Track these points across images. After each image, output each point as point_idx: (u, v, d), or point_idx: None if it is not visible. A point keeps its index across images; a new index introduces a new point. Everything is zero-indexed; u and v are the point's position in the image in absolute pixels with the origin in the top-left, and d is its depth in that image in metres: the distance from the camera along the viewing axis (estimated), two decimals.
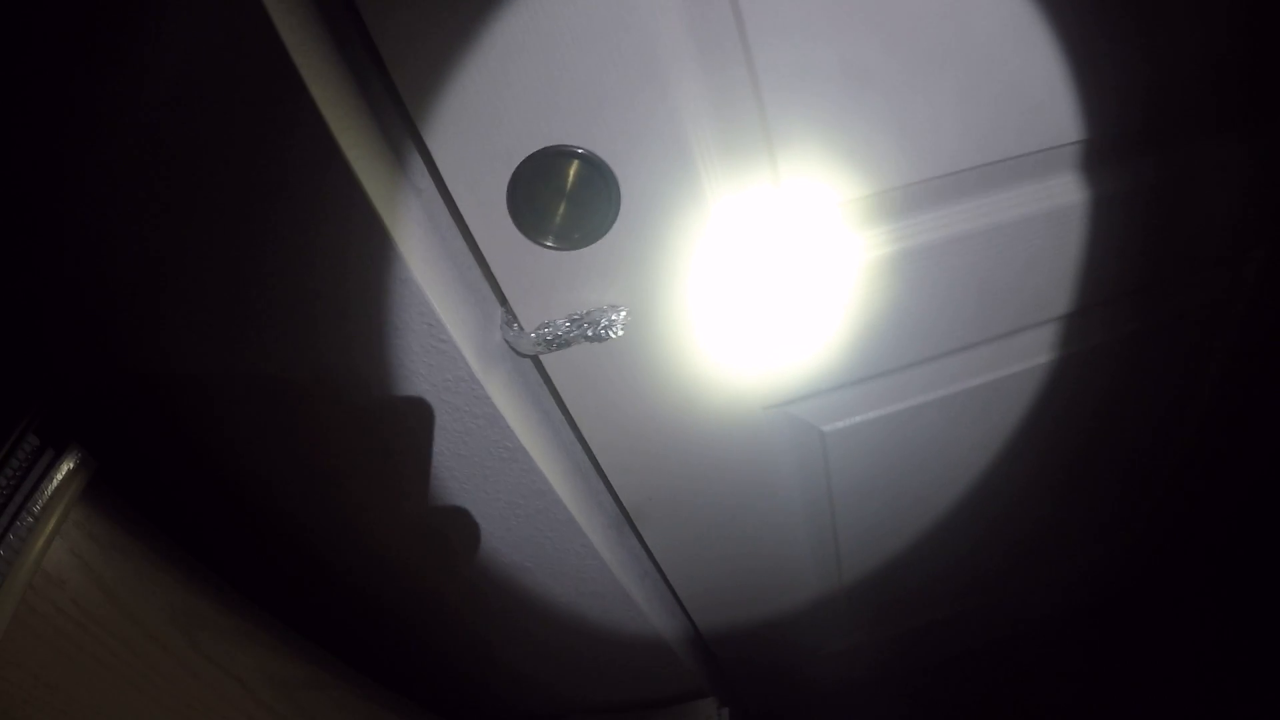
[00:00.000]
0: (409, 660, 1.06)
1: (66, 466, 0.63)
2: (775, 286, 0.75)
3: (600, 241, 0.64)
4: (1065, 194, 0.76)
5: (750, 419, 0.87)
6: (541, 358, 0.74)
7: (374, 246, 0.58)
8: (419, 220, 0.62)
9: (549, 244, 0.63)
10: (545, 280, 0.67)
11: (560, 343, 0.67)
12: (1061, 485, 1.15)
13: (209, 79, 0.50)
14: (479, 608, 0.96)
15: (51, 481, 0.62)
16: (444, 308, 0.63)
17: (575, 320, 0.67)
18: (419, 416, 0.70)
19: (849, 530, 1.09)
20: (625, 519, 0.97)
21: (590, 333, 0.67)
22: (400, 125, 0.60)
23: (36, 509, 0.60)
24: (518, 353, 0.71)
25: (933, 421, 0.95)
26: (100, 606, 0.64)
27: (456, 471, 0.77)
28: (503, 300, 0.69)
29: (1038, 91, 0.68)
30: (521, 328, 0.69)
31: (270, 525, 0.81)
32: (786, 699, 1.50)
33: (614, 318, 0.67)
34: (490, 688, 1.15)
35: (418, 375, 0.66)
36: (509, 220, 0.61)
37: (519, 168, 0.59)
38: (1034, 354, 0.93)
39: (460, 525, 0.83)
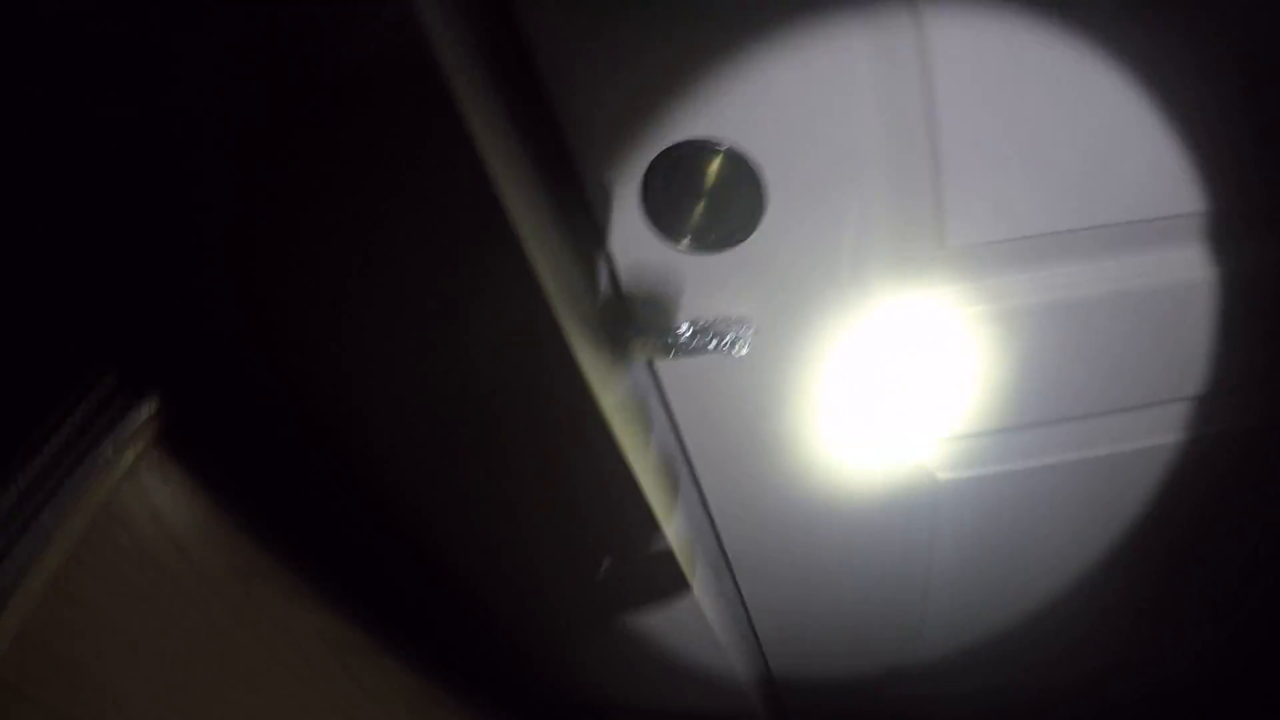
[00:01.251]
0: (466, 635, 1.04)
1: (145, 410, 0.63)
2: (909, 326, 0.69)
3: (737, 249, 0.59)
4: (1199, 268, 0.68)
5: (861, 460, 0.81)
6: (655, 365, 0.69)
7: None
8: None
9: (682, 244, 0.58)
10: (670, 282, 0.62)
11: (681, 350, 0.63)
12: (1168, 566, 1.04)
13: None
14: (557, 595, 0.93)
15: (128, 423, 0.61)
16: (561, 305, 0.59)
17: (700, 329, 0.63)
18: (529, 403, 0.67)
19: (942, 581, 1.01)
20: (725, 563, 0.93)
21: (713, 345, 0.62)
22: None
23: (107, 449, 0.59)
24: (633, 357, 0.66)
25: (1048, 485, 0.87)
26: (162, 551, 0.64)
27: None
28: (621, 296, 0.65)
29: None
30: (640, 330, 0.64)
31: (356, 490, 0.80)
32: None
33: (741, 333, 0.62)
34: (542, 674, 1.12)
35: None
36: (640, 212, 0.56)
37: (657, 159, 0.54)
38: (1161, 431, 0.84)
39: (559, 519, 0.80)
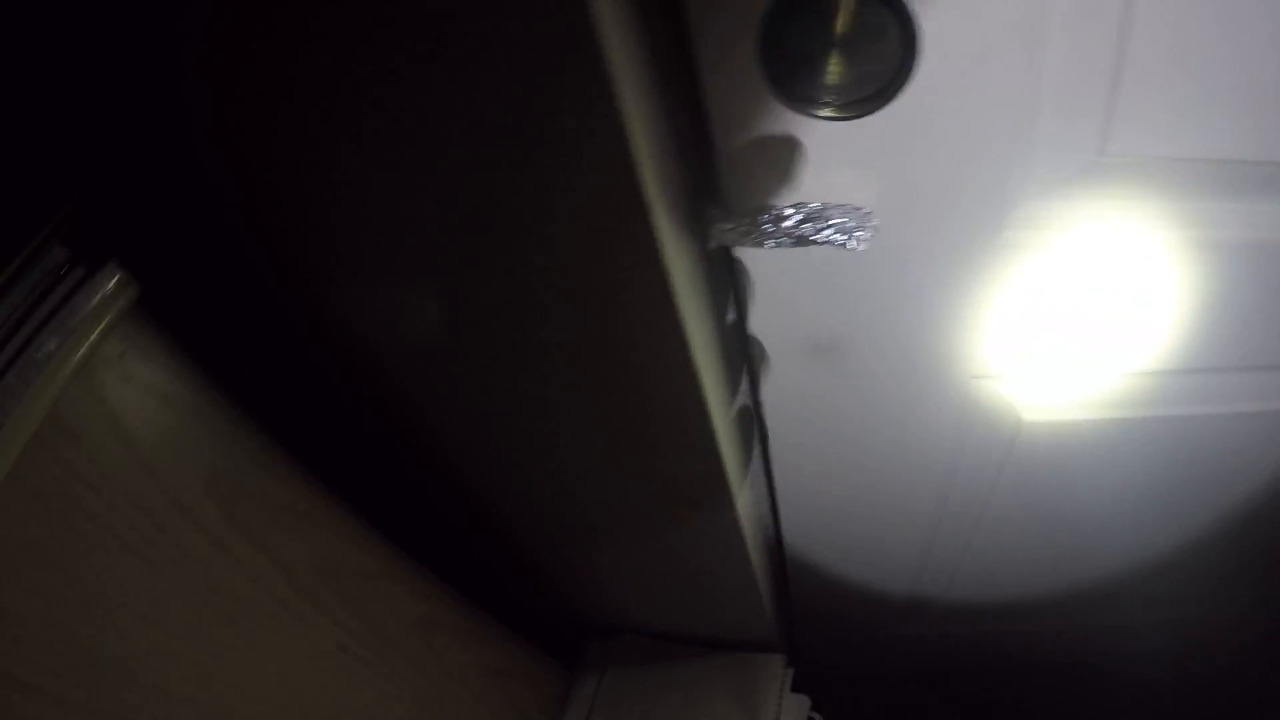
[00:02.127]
0: (475, 547, 0.94)
1: (101, 289, 0.48)
2: (1049, 245, 0.55)
3: (865, 119, 0.43)
4: None
5: (950, 384, 0.69)
6: (739, 254, 0.55)
7: None
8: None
9: (801, 104, 0.42)
10: (775, 150, 0.47)
11: (780, 237, 0.48)
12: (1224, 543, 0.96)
13: None
14: (575, 508, 0.82)
15: (78, 306, 0.47)
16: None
17: (811, 214, 0.48)
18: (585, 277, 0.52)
19: (990, 526, 0.92)
20: (769, 480, 0.81)
21: (826, 234, 0.47)
22: None
23: (51, 342, 0.45)
24: (715, 241, 0.52)
25: (1138, 442, 0.76)
26: (122, 467, 0.50)
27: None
28: (715, 165, 0.50)
29: None
30: (729, 210, 0.50)
31: (356, 390, 0.66)
32: (850, 675, 1.38)
33: (862, 221, 0.47)
34: (553, 590, 1.03)
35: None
36: (756, 59, 0.41)
37: None
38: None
39: (577, 411, 0.67)
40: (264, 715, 0.61)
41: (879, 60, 0.41)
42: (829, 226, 0.47)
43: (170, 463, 0.53)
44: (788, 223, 0.48)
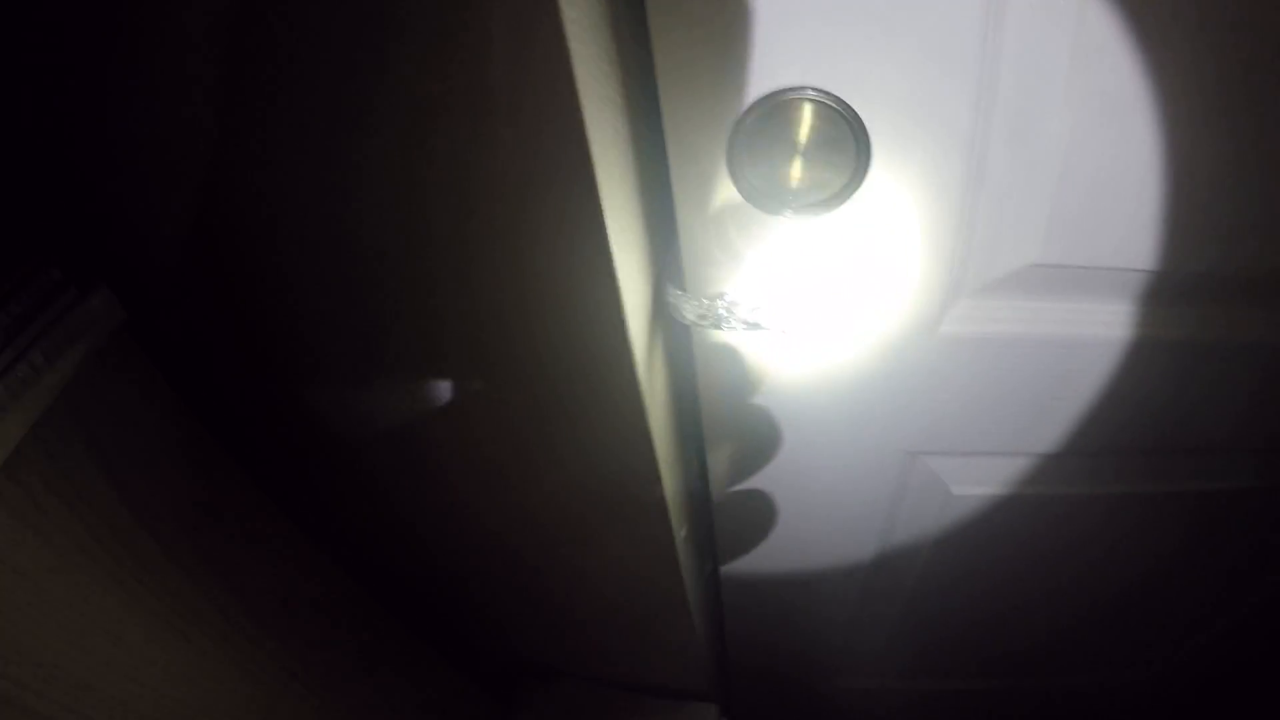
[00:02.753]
0: (419, 587, 0.94)
1: (91, 311, 0.50)
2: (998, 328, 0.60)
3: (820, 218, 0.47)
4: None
5: (884, 455, 0.72)
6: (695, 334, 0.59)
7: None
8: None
9: (765, 203, 0.47)
10: (732, 238, 0.51)
11: (735, 324, 0.52)
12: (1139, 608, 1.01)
13: None
14: (522, 543, 0.83)
15: (68, 326, 0.48)
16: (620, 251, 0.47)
17: (757, 302, 0.52)
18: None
19: (923, 588, 0.96)
20: (707, 505, 0.84)
21: (768, 321, 0.51)
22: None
23: (39, 359, 0.46)
24: (681, 319, 0.55)
25: (1059, 517, 0.82)
26: (98, 487, 0.51)
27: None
28: (670, 250, 0.53)
29: None
30: (684, 292, 0.53)
31: (318, 434, 0.68)
32: None
33: (807, 312, 0.52)
34: (493, 630, 1.03)
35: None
36: (724, 171, 0.45)
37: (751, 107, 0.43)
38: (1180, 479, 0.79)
39: (535, 457, 0.69)
40: None
41: (836, 168, 0.46)
42: (773, 313, 0.51)
43: (144, 486, 0.54)
44: (741, 309, 0.52)
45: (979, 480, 0.80)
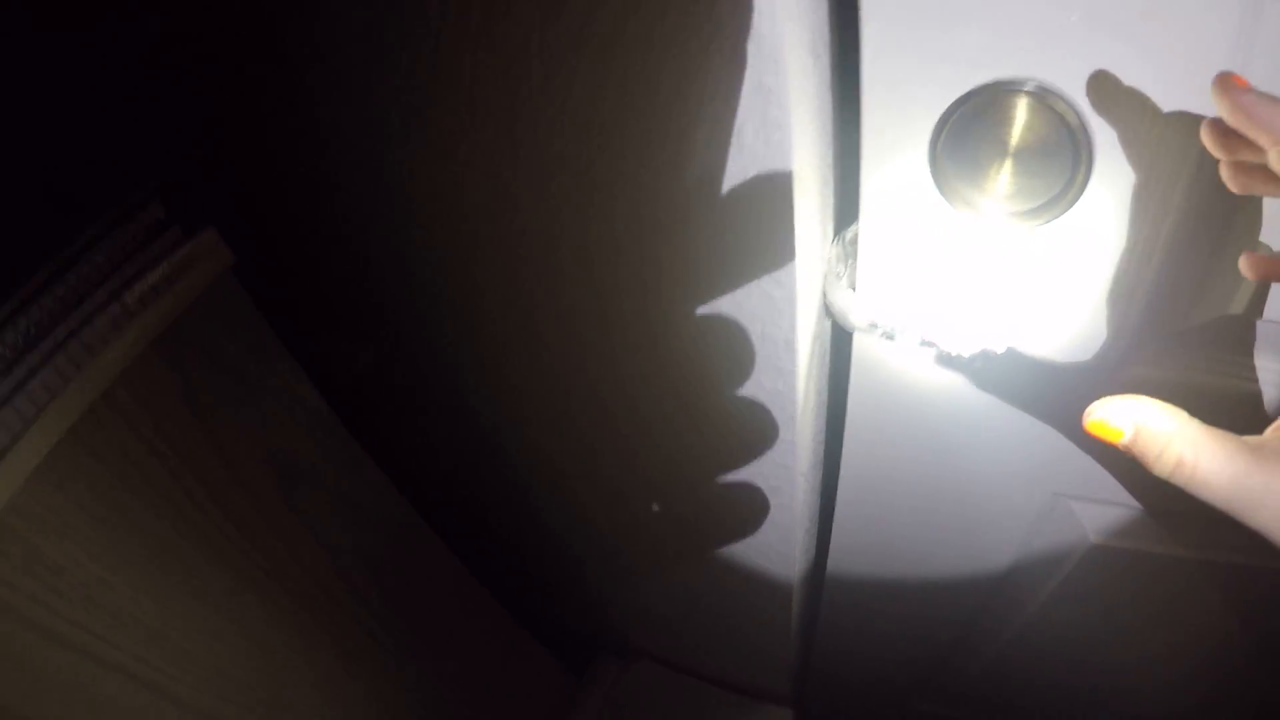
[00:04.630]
0: (513, 555, 0.89)
1: (195, 251, 0.44)
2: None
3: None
4: None
5: (1031, 491, 0.62)
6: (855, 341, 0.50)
7: None
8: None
9: (965, 208, 0.38)
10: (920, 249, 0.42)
11: (912, 338, 0.43)
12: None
13: None
14: (624, 526, 0.77)
15: (170, 265, 0.43)
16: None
17: (930, 323, 0.43)
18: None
19: (1034, 628, 0.85)
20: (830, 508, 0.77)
21: (943, 342, 0.42)
22: None
23: (135, 299, 0.41)
24: (846, 323, 0.46)
25: (1195, 584, 0.70)
26: (189, 436, 0.47)
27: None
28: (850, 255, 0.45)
29: None
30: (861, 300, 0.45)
31: (428, 388, 0.62)
32: None
33: (984, 339, 0.42)
34: (578, 604, 0.98)
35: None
36: (923, 167, 0.36)
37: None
38: None
39: (672, 453, 0.63)
40: (288, 692, 0.57)
41: (1047, 177, 0.37)
42: (953, 333, 0.42)
43: (237, 437, 0.50)
44: (918, 324, 0.43)
45: (1121, 533, 0.70)
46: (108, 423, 0.42)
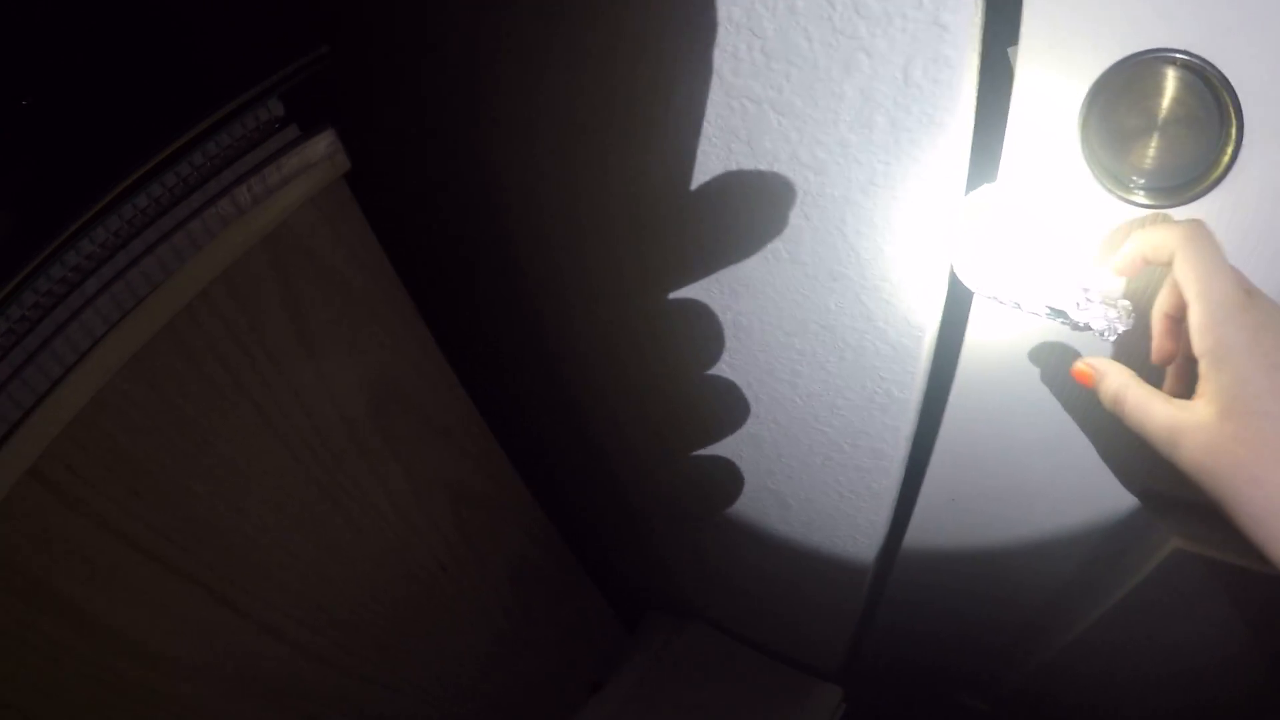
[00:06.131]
0: (590, 504, 0.86)
1: (312, 152, 0.40)
2: None
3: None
4: None
5: (1119, 488, 0.59)
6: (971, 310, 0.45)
7: None
8: None
9: (1110, 182, 0.35)
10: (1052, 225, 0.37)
11: (1044, 308, 0.38)
12: None
13: None
14: (709, 499, 0.73)
15: (285, 164, 0.39)
16: None
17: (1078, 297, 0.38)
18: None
19: (1104, 629, 0.78)
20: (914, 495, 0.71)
21: (1086, 319, 0.37)
22: None
23: (247, 196, 0.37)
24: (970, 284, 0.40)
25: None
26: (285, 345, 0.43)
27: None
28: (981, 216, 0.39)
29: None
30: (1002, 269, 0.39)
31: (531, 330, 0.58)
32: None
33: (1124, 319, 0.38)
34: (645, 562, 0.94)
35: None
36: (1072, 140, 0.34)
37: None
38: None
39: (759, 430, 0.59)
40: (358, 615, 0.55)
41: (1192, 154, 0.34)
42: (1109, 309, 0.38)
43: (335, 354, 0.46)
44: (1039, 296, 0.38)
45: (1205, 541, 0.62)
46: (204, 321, 0.38)
